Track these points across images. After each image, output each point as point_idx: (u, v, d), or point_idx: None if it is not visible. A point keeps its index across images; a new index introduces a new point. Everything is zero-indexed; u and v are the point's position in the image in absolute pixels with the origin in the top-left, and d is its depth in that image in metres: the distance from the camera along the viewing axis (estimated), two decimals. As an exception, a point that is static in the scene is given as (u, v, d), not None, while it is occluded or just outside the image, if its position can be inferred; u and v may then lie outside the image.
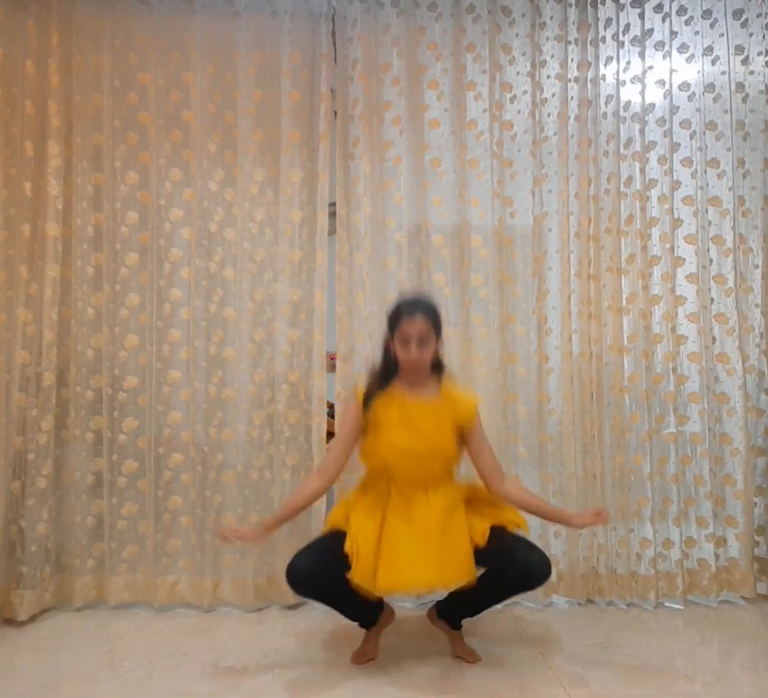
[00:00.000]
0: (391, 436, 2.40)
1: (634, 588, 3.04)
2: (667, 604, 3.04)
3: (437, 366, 2.52)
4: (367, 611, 2.50)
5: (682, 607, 3.01)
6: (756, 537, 3.15)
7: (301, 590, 2.33)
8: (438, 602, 2.63)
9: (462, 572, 2.27)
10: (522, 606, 3.00)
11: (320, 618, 2.86)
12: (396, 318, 2.40)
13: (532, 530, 3.02)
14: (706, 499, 3.10)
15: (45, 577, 2.90)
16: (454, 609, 2.57)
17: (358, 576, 2.21)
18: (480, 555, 2.31)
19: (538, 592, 2.99)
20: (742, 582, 3.08)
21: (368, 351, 3.01)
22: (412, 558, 2.24)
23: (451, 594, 2.55)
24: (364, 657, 2.48)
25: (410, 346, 2.35)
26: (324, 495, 2.88)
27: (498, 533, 2.37)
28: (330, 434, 3.02)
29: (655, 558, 3.04)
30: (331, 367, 3.05)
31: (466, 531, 2.35)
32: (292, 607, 2.99)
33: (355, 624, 2.53)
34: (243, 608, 2.97)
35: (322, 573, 2.27)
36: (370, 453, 2.46)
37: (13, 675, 2.39)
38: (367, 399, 2.46)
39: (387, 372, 2.50)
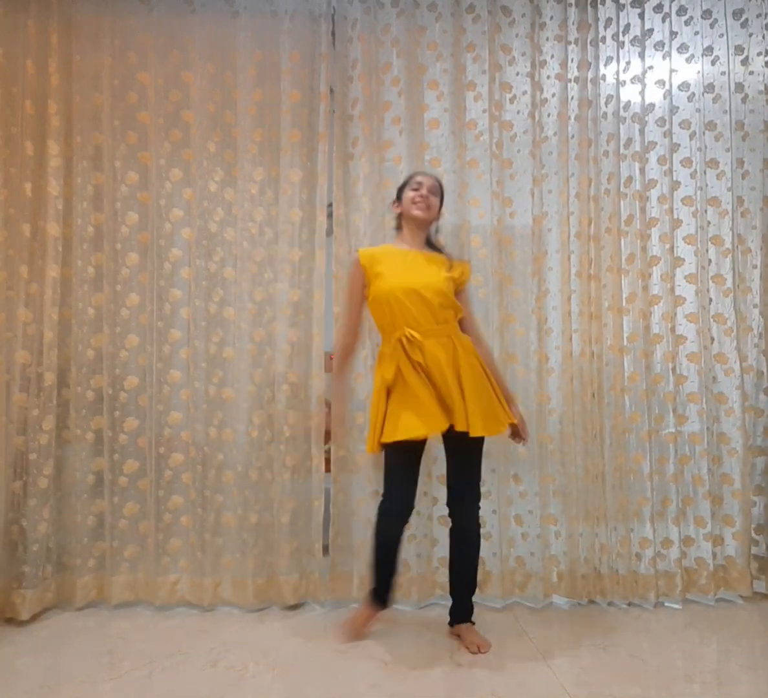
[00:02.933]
0: (393, 277, 2.59)
1: (634, 587, 3.05)
2: (665, 604, 3.05)
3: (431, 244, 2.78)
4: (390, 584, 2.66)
5: (680, 607, 3.02)
6: (755, 536, 3.16)
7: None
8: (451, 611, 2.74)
9: (483, 418, 2.51)
10: (522, 606, 3.01)
11: (320, 618, 2.87)
12: (410, 176, 2.75)
13: (531, 529, 3.05)
14: (705, 499, 3.11)
15: (46, 577, 2.91)
16: (461, 600, 2.70)
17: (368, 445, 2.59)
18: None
19: (539, 592, 3.01)
20: (739, 581, 3.09)
21: (367, 351, 3.02)
22: (425, 405, 2.47)
23: (453, 594, 2.71)
24: (356, 635, 2.64)
25: (422, 189, 2.66)
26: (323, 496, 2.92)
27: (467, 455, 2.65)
28: (327, 434, 3.04)
29: (655, 558, 3.05)
30: (331, 367, 3.04)
31: (488, 383, 2.60)
32: (292, 607, 2.99)
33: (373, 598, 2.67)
34: (243, 608, 2.97)
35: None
36: (376, 299, 2.62)
37: (14, 674, 2.39)
38: (365, 256, 2.69)
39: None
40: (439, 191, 2.72)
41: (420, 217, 2.67)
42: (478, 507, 2.68)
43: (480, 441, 2.61)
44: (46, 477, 2.89)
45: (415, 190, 2.66)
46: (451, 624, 2.72)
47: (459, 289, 2.69)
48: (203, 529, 2.99)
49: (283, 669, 2.41)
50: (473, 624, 2.69)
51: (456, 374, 2.52)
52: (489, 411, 2.54)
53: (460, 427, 2.47)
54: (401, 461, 2.59)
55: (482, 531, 3.04)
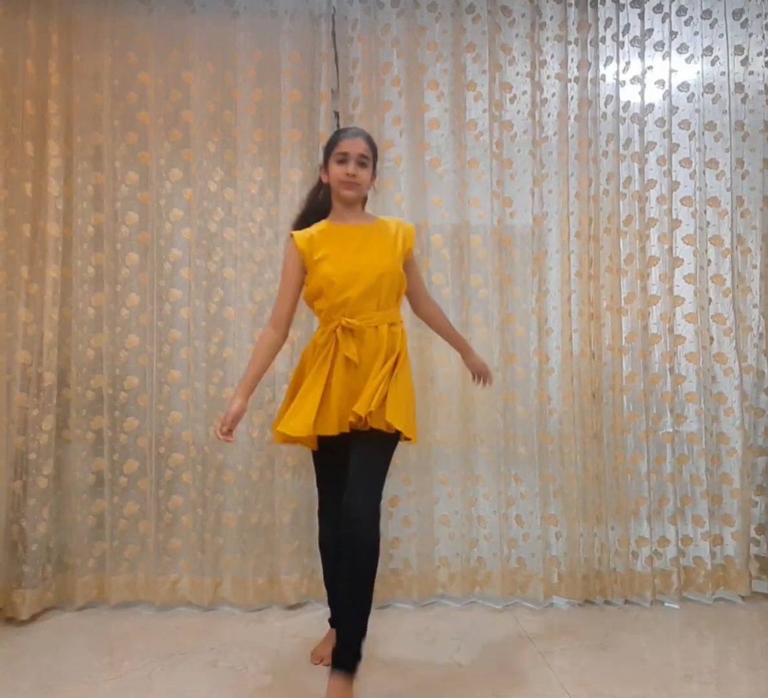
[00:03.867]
0: (334, 261, 2.29)
1: (631, 586, 3.06)
2: (663, 602, 3.05)
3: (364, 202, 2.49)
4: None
5: (678, 606, 3.02)
6: (756, 536, 3.17)
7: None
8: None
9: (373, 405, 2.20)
10: (522, 607, 3.02)
11: (320, 618, 2.86)
12: (333, 141, 2.36)
13: (532, 530, 3.06)
14: (703, 498, 3.12)
15: (46, 576, 2.91)
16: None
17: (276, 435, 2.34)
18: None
19: (539, 593, 3.01)
20: (738, 580, 3.09)
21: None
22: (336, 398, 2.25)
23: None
24: (320, 659, 2.46)
25: (349, 163, 2.29)
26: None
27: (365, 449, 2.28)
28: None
29: (652, 557, 3.06)
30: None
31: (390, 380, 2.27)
32: (293, 607, 2.99)
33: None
34: (243, 608, 2.98)
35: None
36: (316, 288, 2.32)
37: (14, 674, 2.40)
38: (302, 240, 2.36)
39: (317, 209, 2.45)
40: (370, 152, 2.34)
41: (350, 197, 2.35)
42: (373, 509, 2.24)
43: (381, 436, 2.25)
44: (46, 477, 2.89)
45: (341, 162, 2.30)
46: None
47: (405, 256, 2.39)
48: (203, 529, 2.99)
49: (283, 669, 2.41)
50: (349, 674, 2.11)
51: (389, 368, 2.27)
52: (407, 409, 2.27)
53: (359, 410, 2.18)
54: (318, 461, 2.44)
55: (484, 532, 3.09)
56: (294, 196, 3.06)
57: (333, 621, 2.54)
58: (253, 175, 3.07)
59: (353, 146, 2.30)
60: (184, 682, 2.32)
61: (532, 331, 3.10)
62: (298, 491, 3.02)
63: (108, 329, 3.00)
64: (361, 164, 2.32)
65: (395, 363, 2.30)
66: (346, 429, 2.27)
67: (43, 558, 2.89)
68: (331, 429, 2.25)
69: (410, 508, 3.05)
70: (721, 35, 3.13)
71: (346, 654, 2.11)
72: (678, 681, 2.32)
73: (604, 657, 2.50)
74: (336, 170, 2.32)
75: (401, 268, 2.36)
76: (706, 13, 3.14)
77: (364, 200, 2.50)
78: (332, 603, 2.52)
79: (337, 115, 3.11)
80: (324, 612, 2.77)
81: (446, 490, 3.10)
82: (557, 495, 3.07)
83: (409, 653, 2.54)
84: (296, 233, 2.40)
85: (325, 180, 2.40)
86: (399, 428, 2.19)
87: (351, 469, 2.23)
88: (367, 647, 2.54)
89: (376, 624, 2.71)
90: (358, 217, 2.42)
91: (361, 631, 2.14)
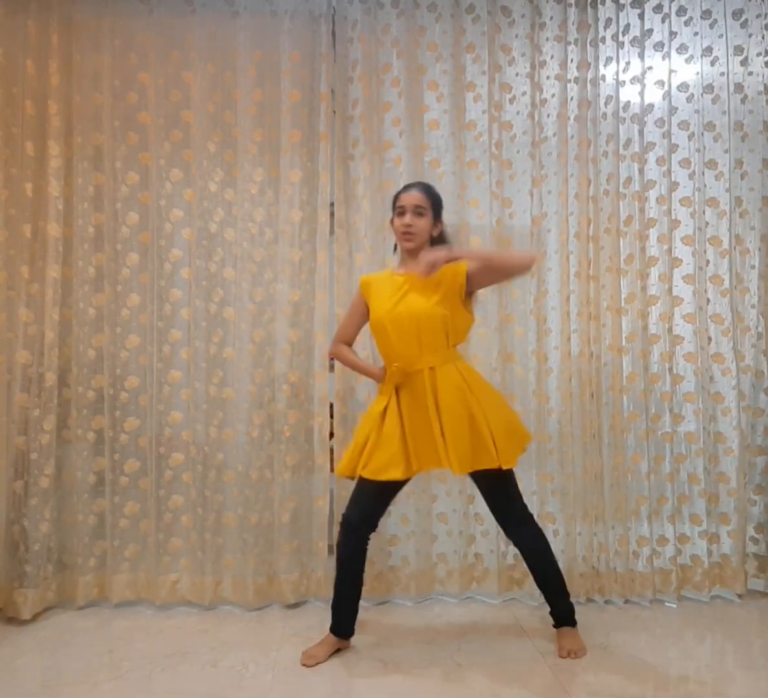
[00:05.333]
0: (377, 308, 2.53)
1: (631, 585, 3.07)
2: (662, 601, 3.07)
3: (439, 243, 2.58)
4: (352, 611, 2.56)
5: (676, 605, 3.04)
6: (755, 535, 3.18)
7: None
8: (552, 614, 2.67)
9: (464, 455, 2.39)
10: (521, 604, 3.04)
11: (320, 617, 2.88)
12: (396, 196, 2.57)
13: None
14: (700, 497, 3.13)
15: (47, 576, 2.92)
16: (557, 602, 2.65)
17: (339, 468, 2.55)
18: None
19: (537, 590, 3.00)
20: (734, 579, 3.11)
21: (368, 351, 3.02)
22: (400, 444, 2.43)
23: (545, 596, 2.68)
24: (314, 660, 2.48)
25: (405, 215, 2.49)
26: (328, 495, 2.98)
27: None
28: (331, 435, 3.06)
29: (651, 556, 3.07)
30: (331, 367, 3.06)
31: (474, 415, 2.42)
32: (293, 606, 3.01)
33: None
34: (244, 607, 2.99)
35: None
36: (372, 327, 2.59)
37: (15, 674, 2.40)
38: (363, 283, 2.65)
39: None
40: (427, 202, 2.50)
41: (408, 247, 2.53)
42: (531, 526, 2.60)
43: (496, 472, 2.44)
44: (47, 477, 2.90)
45: (400, 214, 2.50)
46: (560, 624, 2.65)
47: (461, 293, 2.45)
48: (204, 529, 3.00)
49: (283, 669, 2.42)
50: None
51: (436, 410, 2.42)
52: (472, 446, 2.40)
53: (443, 466, 2.41)
54: (376, 485, 2.49)
55: (481, 528, 3.12)
56: (294, 197, 3.08)
57: (336, 627, 2.56)
58: (253, 175, 3.08)
59: (409, 199, 2.50)
60: (184, 682, 2.33)
61: (531, 331, 3.11)
62: (297, 491, 3.03)
63: (108, 329, 3.01)
64: (418, 214, 2.49)
65: (440, 409, 2.43)
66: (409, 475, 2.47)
67: (44, 557, 2.90)
68: (401, 473, 2.43)
69: (408, 506, 3.07)
70: (721, 35, 3.13)
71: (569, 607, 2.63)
72: (676, 681, 2.34)
73: (603, 657, 2.51)
74: (396, 223, 2.53)
75: (446, 308, 2.44)
76: (706, 14, 3.15)
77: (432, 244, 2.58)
78: (343, 610, 2.56)
79: (335, 114, 3.11)
80: (324, 610, 2.78)
81: (444, 488, 3.11)
82: (555, 494, 3.09)
83: (409, 653, 2.55)
84: (363, 277, 2.72)
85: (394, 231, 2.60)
86: (482, 467, 2.42)
87: (492, 495, 2.57)
88: (367, 647, 2.58)
89: (376, 621, 2.75)
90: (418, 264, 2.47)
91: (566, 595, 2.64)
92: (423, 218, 2.49)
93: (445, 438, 2.39)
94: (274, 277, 3.09)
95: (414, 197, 2.49)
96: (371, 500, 2.51)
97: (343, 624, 2.55)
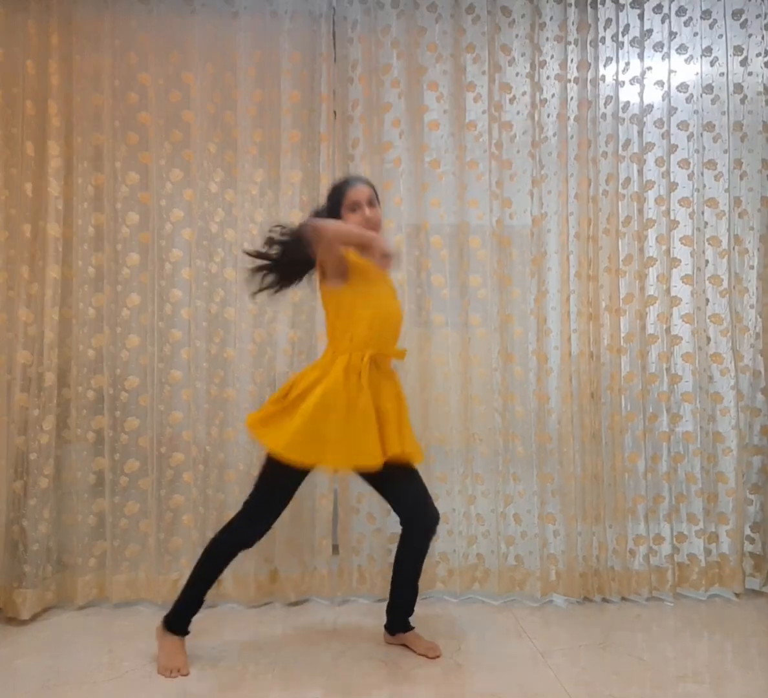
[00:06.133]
0: (378, 292, 2.49)
1: (628, 583, 3.09)
2: (660, 599, 3.09)
3: None
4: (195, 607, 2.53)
5: (673, 603, 3.05)
6: (751, 534, 3.20)
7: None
8: (388, 621, 2.67)
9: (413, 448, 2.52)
10: (521, 605, 3.04)
11: (322, 615, 2.89)
12: (340, 192, 2.51)
13: (529, 528, 3.08)
14: (698, 496, 3.15)
15: (47, 576, 2.92)
16: (400, 609, 2.64)
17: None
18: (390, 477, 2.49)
19: (537, 590, 3.04)
20: (732, 578, 3.13)
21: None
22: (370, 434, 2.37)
23: (391, 601, 2.66)
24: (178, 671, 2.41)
25: (363, 209, 2.46)
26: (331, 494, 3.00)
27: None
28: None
29: (648, 555, 3.09)
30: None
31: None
32: (294, 604, 3.02)
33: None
34: (244, 605, 3.00)
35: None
36: (371, 314, 2.44)
37: (14, 674, 2.40)
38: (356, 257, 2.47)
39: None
40: (376, 196, 2.55)
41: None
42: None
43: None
44: (47, 477, 2.90)
45: (356, 209, 2.47)
46: (393, 630, 2.65)
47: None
48: (205, 527, 3.01)
49: (284, 669, 2.43)
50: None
51: (397, 405, 2.48)
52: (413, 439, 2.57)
53: (399, 456, 2.42)
54: (293, 484, 2.48)
55: (482, 529, 3.14)
56: (294, 197, 3.08)
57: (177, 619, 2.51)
58: (253, 176, 3.08)
59: (361, 193, 2.48)
60: (184, 681, 2.33)
61: (531, 332, 3.12)
62: (299, 489, 3.01)
63: (109, 329, 3.01)
64: (372, 205, 2.50)
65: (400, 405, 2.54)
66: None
67: (44, 557, 2.90)
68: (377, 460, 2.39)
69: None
70: (721, 36, 3.14)
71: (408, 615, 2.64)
72: (675, 680, 2.35)
73: (603, 656, 2.52)
74: (354, 218, 2.46)
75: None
76: (706, 14, 3.15)
77: None
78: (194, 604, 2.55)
79: (335, 115, 3.12)
80: (324, 609, 2.80)
81: (445, 488, 3.12)
82: (555, 494, 3.10)
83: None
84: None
85: None
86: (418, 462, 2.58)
87: (414, 487, 2.57)
88: (367, 647, 2.59)
89: (376, 619, 2.75)
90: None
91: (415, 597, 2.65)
92: (376, 208, 2.52)
93: (402, 432, 2.47)
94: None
95: (366, 192, 2.49)
96: (281, 505, 2.51)
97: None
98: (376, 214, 2.50)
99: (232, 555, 2.48)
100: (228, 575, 3.00)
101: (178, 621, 2.48)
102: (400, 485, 2.55)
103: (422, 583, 3.03)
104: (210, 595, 2.93)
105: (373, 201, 2.51)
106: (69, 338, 3.01)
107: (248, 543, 2.47)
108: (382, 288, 2.50)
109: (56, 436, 2.96)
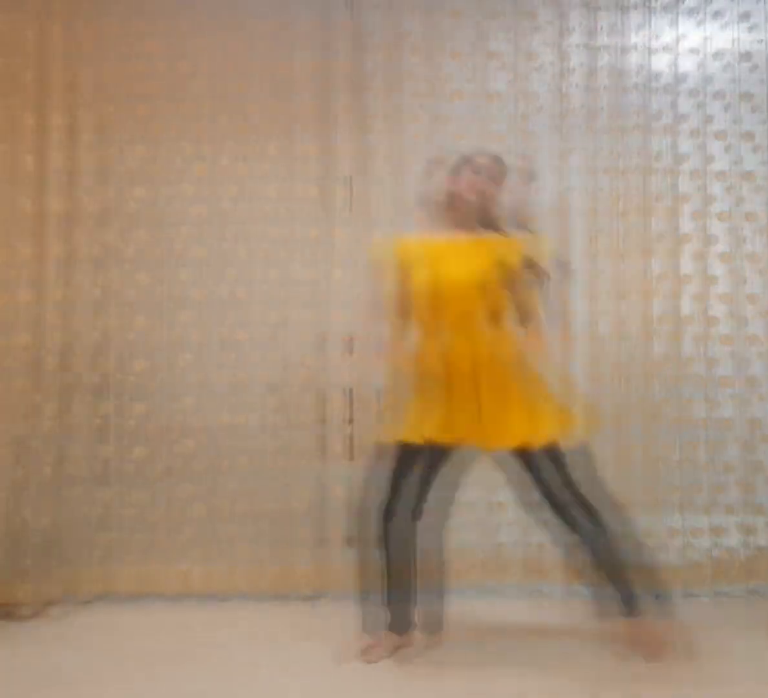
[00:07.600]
0: (427, 270, 2.29)
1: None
2: (694, 595, 2.95)
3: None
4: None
5: (709, 598, 2.94)
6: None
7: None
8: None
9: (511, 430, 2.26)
10: (542, 594, 2.94)
11: (334, 611, 2.76)
12: (466, 158, 2.33)
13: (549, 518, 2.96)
14: (736, 486, 3.01)
15: (49, 570, 2.82)
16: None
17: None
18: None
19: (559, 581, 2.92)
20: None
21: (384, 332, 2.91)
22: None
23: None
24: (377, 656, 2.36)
25: (480, 176, 2.28)
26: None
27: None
28: (350, 420, 2.96)
29: (684, 548, 2.97)
30: (348, 354, 2.95)
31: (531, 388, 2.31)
32: (307, 599, 2.90)
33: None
34: (255, 599, 2.89)
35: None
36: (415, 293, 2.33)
37: (16, 672, 2.30)
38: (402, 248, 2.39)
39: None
40: (504, 176, 2.36)
41: (477, 206, 2.32)
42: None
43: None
44: (49, 466, 2.82)
45: (475, 173, 2.30)
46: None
47: (511, 274, 2.29)
48: (215, 518, 2.92)
49: (286, 670, 2.30)
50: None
51: (475, 384, 2.28)
52: (521, 418, 2.27)
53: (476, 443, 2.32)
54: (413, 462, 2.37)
55: (506, 517, 2.99)
56: (309, 172, 2.98)
57: (395, 623, 2.41)
58: (266, 149, 2.97)
59: (487, 161, 2.33)
60: (194, 680, 2.22)
61: (558, 313, 3.00)
62: (313, 478, 2.94)
63: (114, 310, 2.92)
64: (493, 179, 2.33)
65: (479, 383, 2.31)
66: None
67: (46, 550, 2.81)
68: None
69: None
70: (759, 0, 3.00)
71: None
72: (722, 680, 2.21)
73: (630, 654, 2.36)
74: (466, 182, 2.31)
75: (500, 282, 2.33)
76: (742, -22, 3.03)
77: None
78: (397, 603, 2.41)
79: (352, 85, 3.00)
80: (338, 603, 2.70)
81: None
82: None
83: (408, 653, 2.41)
84: (398, 239, 2.48)
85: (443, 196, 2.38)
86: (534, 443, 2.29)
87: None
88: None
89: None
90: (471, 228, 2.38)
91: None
92: (496, 185, 2.34)
93: (481, 415, 2.30)
94: (288, 256, 2.97)
95: (496, 165, 2.34)
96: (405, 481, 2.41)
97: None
98: (489, 188, 2.30)
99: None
100: (239, 569, 2.92)
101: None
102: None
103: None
104: (221, 588, 2.85)
105: (499, 177, 2.33)
106: (72, 320, 2.90)
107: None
108: None
109: (59, 423, 2.85)
